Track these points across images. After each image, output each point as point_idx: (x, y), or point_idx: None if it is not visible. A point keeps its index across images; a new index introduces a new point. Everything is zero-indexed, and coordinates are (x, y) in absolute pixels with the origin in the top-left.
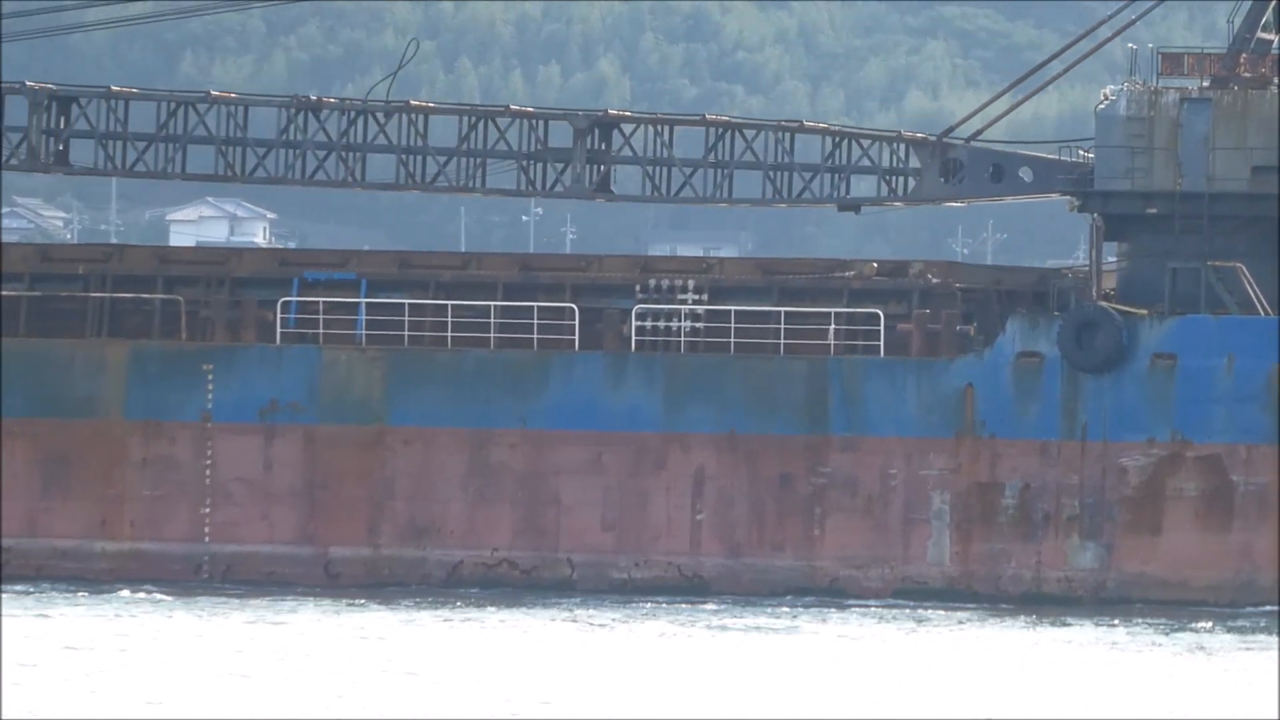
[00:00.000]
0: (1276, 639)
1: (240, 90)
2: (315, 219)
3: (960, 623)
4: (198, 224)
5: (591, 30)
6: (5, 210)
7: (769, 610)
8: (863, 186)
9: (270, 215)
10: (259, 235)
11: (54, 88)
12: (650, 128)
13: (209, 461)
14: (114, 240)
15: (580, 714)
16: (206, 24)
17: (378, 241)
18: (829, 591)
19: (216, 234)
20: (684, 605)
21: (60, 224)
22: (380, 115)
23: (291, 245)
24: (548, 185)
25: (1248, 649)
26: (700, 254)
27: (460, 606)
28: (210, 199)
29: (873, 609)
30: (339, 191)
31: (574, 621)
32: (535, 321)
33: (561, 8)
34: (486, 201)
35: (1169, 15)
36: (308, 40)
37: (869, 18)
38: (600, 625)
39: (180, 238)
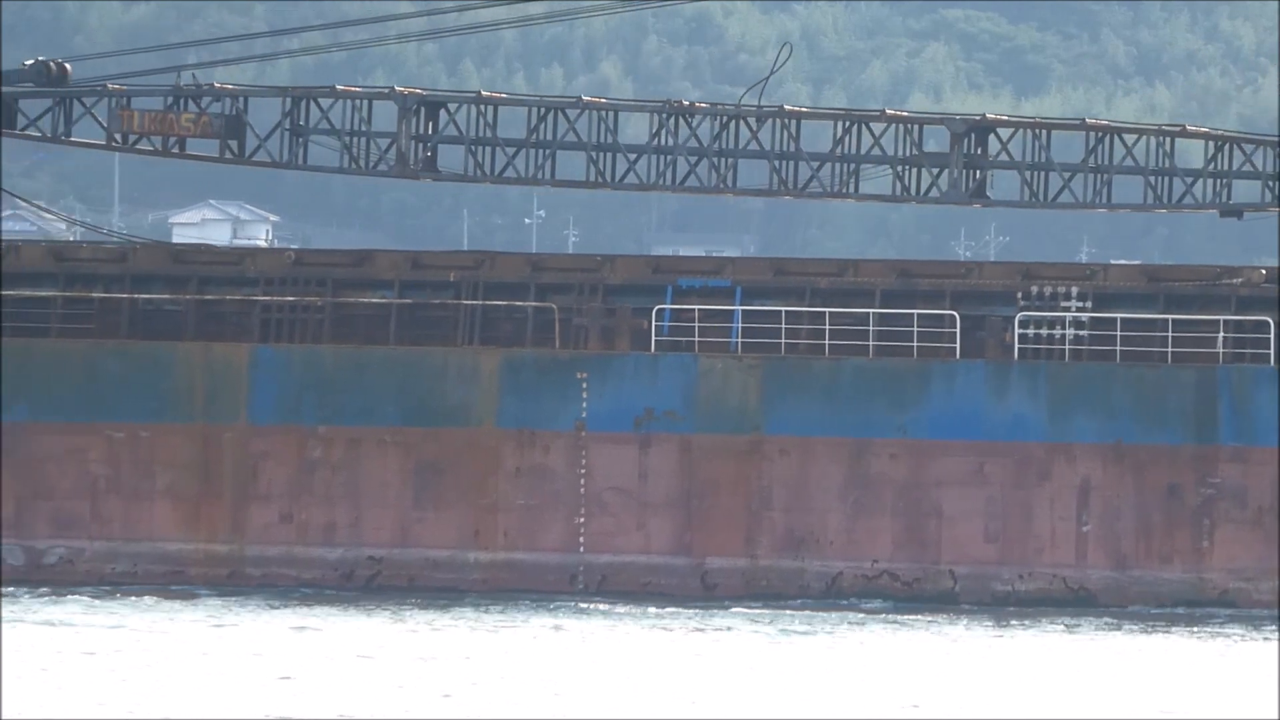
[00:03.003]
0: (1277, 639)
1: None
2: (318, 221)
3: None
4: (200, 226)
5: (594, 33)
6: (7, 213)
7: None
8: (1244, 192)
9: (273, 218)
10: (262, 237)
11: (422, 93)
12: (1028, 132)
13: (583, 471)
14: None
15: None
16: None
17: (379, 243)
18: (1218, 604)
19: (219, 236)
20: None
21: (64, 226)
22: (752, 120)
23: (294, 247)
24: (922, 191)
25: None
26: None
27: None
28: (213, 201)
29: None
30: (340, 195)
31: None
32: (915, 329)
33: (564, 10)
34: (489, 204)
35: (1172, 18)
36: (310, 42)
37: (871, 20)
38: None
39: (183, 240)
